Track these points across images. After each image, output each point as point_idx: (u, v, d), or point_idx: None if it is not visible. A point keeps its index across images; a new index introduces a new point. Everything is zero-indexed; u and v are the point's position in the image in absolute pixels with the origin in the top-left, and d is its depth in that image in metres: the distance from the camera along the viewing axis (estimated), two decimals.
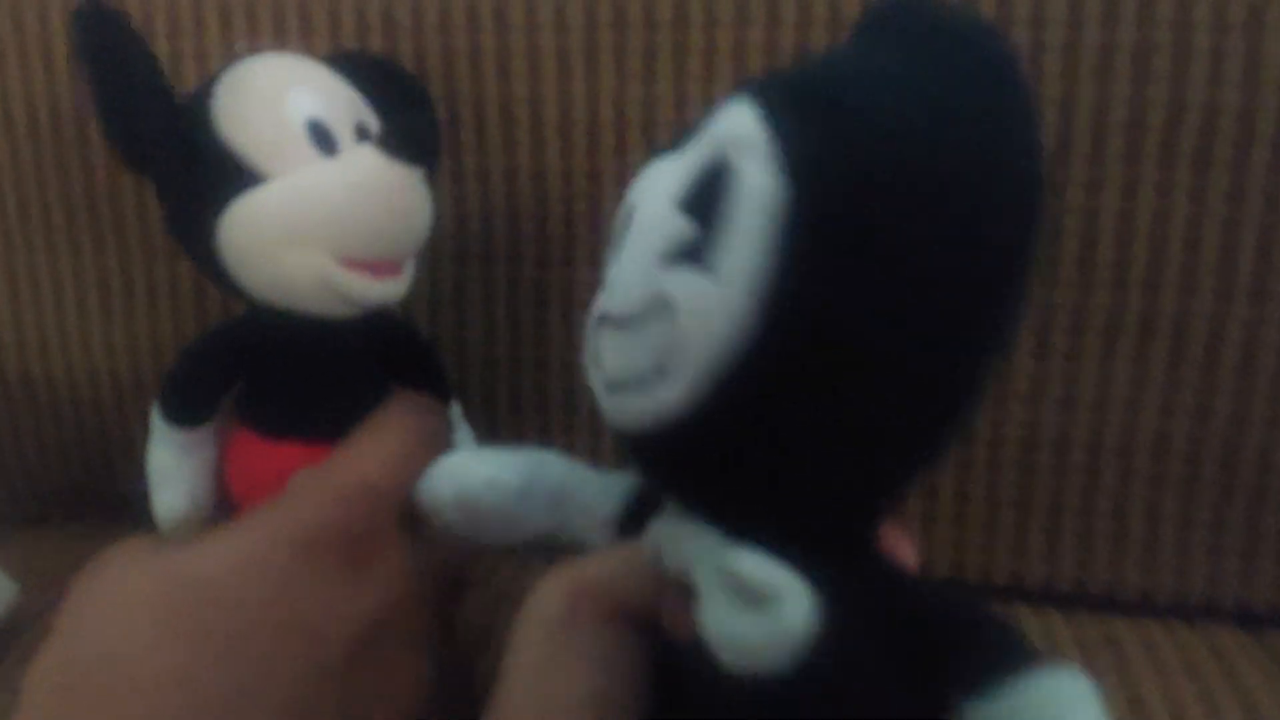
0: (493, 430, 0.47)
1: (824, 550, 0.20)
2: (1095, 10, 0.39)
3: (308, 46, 0.45)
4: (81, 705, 0.24)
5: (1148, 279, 0.41)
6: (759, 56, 0.42)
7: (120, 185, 0.48)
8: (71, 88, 0.47)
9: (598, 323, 0.22)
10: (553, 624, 0.24)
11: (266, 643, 0.27)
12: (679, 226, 0.20)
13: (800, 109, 0.19)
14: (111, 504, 0.49)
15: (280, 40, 0.45)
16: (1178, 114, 0.39)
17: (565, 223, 0.45)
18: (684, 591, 0.22)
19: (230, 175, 0.33)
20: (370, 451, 0.32)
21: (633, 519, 0.26)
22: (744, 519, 0.21)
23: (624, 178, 0.24)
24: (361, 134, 0.36)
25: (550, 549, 0.28)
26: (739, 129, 0.20)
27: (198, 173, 0.34)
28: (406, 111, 0.39)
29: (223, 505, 0.38)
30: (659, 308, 0.20)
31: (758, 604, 0.20)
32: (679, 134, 0.23)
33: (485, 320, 0.47)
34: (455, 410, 0.41)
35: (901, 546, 0.23)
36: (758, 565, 0.20)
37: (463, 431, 0.41)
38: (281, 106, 0.34)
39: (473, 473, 0.28)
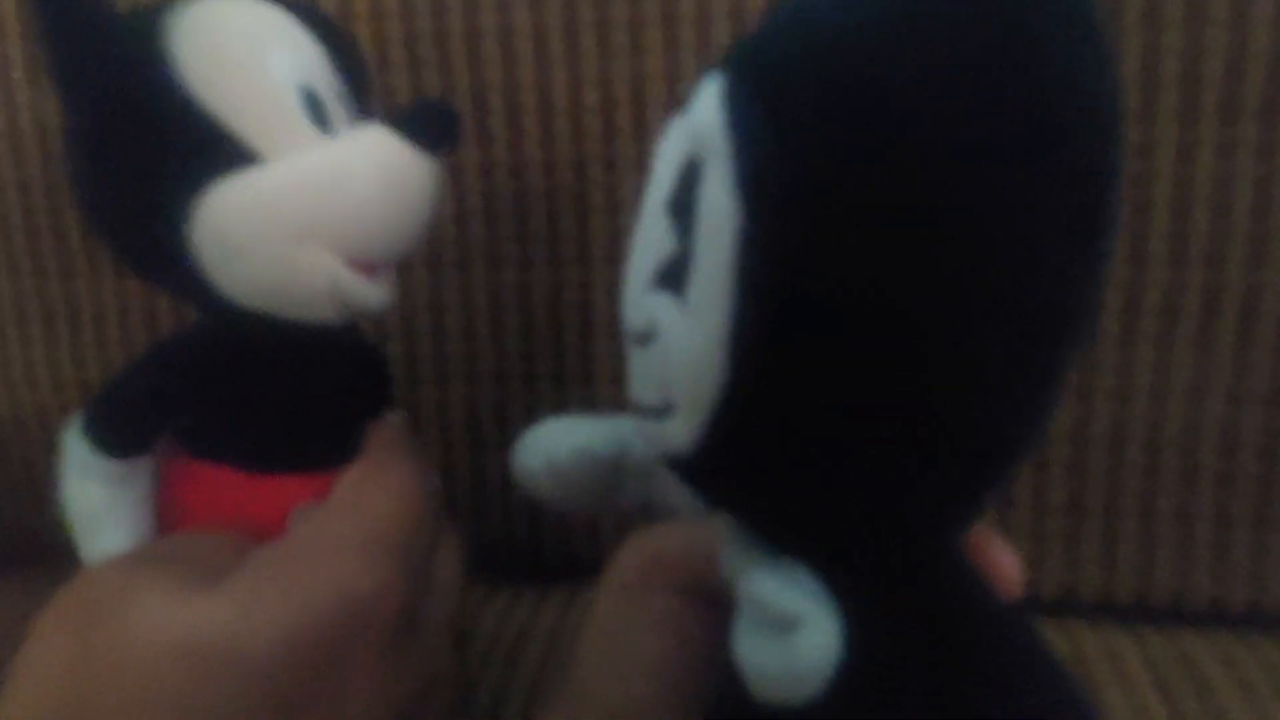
0: (478, 442, 0.43)
1: (874, 571, 0.18)
2: None
3: None
4: None
5: (1210, 252, 0.36)
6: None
7: (62, 205, 0.44)
8: None
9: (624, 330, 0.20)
10: (628, 588, 0.25)
11: None
12: (664, 238, 0.18)
13: (762, 92, 0.16)
14: (40, 550, 0.45)
15: None
16: (1239, 66, 0.35)
17: (549, 219, 0.41)
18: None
19: (211, 148, 0.27)
20: (406, 508, 0.28)
21: None
22: (781, 539, 0.19)
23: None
24: (341, 102, 0.30)
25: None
26: (705, 118, 0.16)
27: (160, 135, 0.27)
28: (356, 70, 0.32)
29: None
30: (652, 330, 0.18)
31: (780, 632, 0.18)
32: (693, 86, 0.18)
33: (464, 329, 0.43)
34: (401, 418, 0.37)
35: (1000, 561, 0.20)
36: (778, 590, 0.19)
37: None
38: (268, 68, 0.28)
39: (562, 443, 0.27)
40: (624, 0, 0.38)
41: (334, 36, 0.31)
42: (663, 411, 0.18)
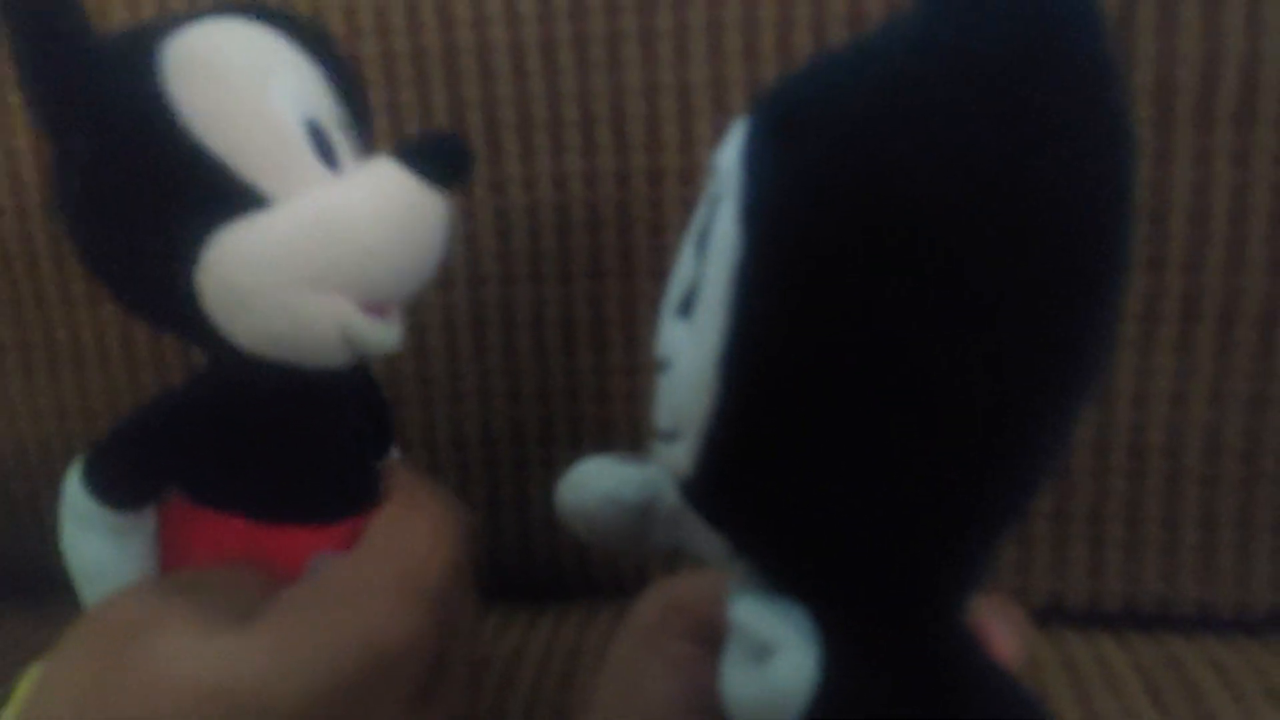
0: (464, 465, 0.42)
1: (861, 610, 0.18)
2: None
3: None
4: None
5: (1188, 257, 0.36)
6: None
7: (32, 231, 0.43)
8: None
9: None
10: (647, 631, 0.25)
11: None
12: (686, 268, 0.18)
13: (774, 133, 0.16)
14: (43, 582, 0.44)
15: None
16: (1214, 71, 0.35)
17: (531, 236, 0.41)
18: None
19: (217, 192, 0.25)
20: (436, 555, 0.28)
21: None
22: (772, 569, 0.19)
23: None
24: (344, 134, 0.29)
25: None
26: (728, 154, 0.17)
27: (161, 180, 0.25)
28: (357, 95, 0.31)
29: None
30: (667, 359, 0.19)
31: (761, 657, 0.18)
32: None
33: (448, 347, 0.42)
34: (394, 454, 0.36)
35: (997, 634, 0.20)
36: (759, 615, 0.19)
37: None
38: (270, 102, 0.26)
39: (593, 487, 0.27)
40: (600, 16, 0.38)
41: (332, 58, 0.29)
42: (673, 436, 0.19)
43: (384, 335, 0.28)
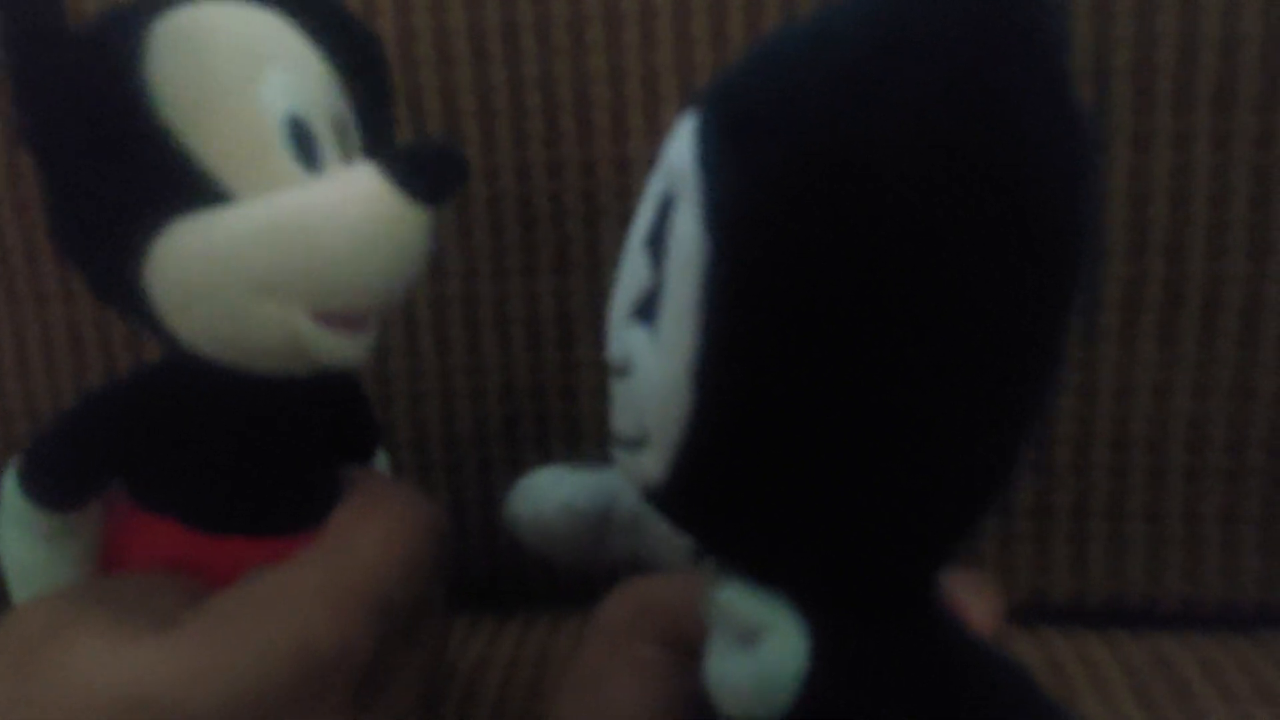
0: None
1: (845, 601, 0.18)
2: None
3: None
4: None
5: (1170, 242, 0.36)
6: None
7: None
8: None
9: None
10: (615, 634, 0.25)
11: None
12: (641, 272, 0.18)
13: (732, 130, 0.16)
14: None
15: None
16: (1192, 52, 0.34)
17: (494, 229, 0.39)
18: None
19: (175, 182, 0.24)
20: (381, 556, 0.26)
21: None
22: (752, 569, 0.19)
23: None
24: (340, 132, 0.27)
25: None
26: (679, 156, 0.17)
27: (120, 163, 0.24)
28: (383, 104, 0.29)
29: None
30: (628, 365, 0.18)
31: (748, 642, 0.18)
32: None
33: (408, 343, 0.41)
34: (383, 459, 0.34)
35: (970, 607, 0.20)
36: (745, 599, 0.19)
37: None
38: (254, 94, 0.25)
39: (548, 496, 0.27)
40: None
41: (350, 45, 0.27)
42: (638, 443, 0.18)
43: (340, 348, 0.26)
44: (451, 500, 0.42)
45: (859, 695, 0.18)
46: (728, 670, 0.19)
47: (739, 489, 0.17)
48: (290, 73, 0.26)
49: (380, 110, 0.29)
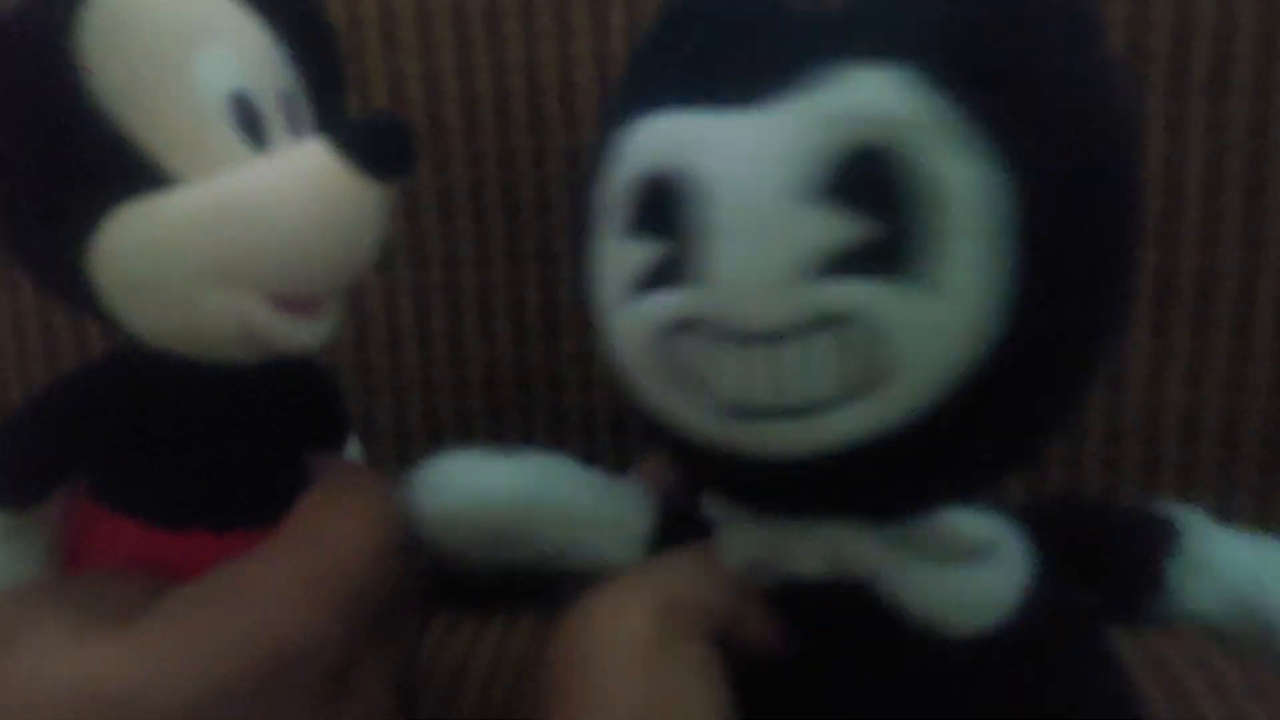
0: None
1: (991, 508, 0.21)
2: None
3: None
4: None
5: (1162, 231, 0.35)
6: None
7: None
8: None
9: (686, 328, 0.19)
10: (649, 647, 0.21)
11: None
12: (830, 228, 0.17)
13: (995, 84, 0.17)
14: None
15: None
16: (1186, 38, 0.34)
17: (477, 217, 0.38)
18: (770, 604, 0.22)
19: (116, 165, 0.23)
20: (350, 544, 0.25)
21: (668, 534, 0.24)
22: (913, 511, 0.20)
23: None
24: (289, 109, 0.26)
25: None
26: (895, 107, 0.17)
27: (58, 147, 0.23)
28: (330, 72, 0.28)
29: None
30: (825, 322, 0.18)
31: (974, 560, 0.20)
32: (742, 79, 0.18)
33: (390, 334, 0.40)
34: (355, 446, 0.34)
35: None
36: (973, 522, 0.20)
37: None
38: (192, 71, 0.23)
39: (467, 485, 0.25)
40: None
41: (294, 18, 0.27)
42: (846, 399, 0.18)
43: (297, 334, 0.25)
44: None
45: (1059, 600, 0.21)
46: (958, 588, 0.20)
47: (1003, 425, 0.19)
48: (232, 48, 0.25)
49: (330, 85, 0.28)
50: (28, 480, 0.26)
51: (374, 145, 0.24)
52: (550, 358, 0.39)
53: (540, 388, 0.40)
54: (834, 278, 0.17)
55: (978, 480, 0.20)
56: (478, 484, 0.24)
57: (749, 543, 0.22)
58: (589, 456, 0.26)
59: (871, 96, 0.17)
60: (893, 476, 0.19)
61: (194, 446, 0.26)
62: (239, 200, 0.23)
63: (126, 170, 0.23)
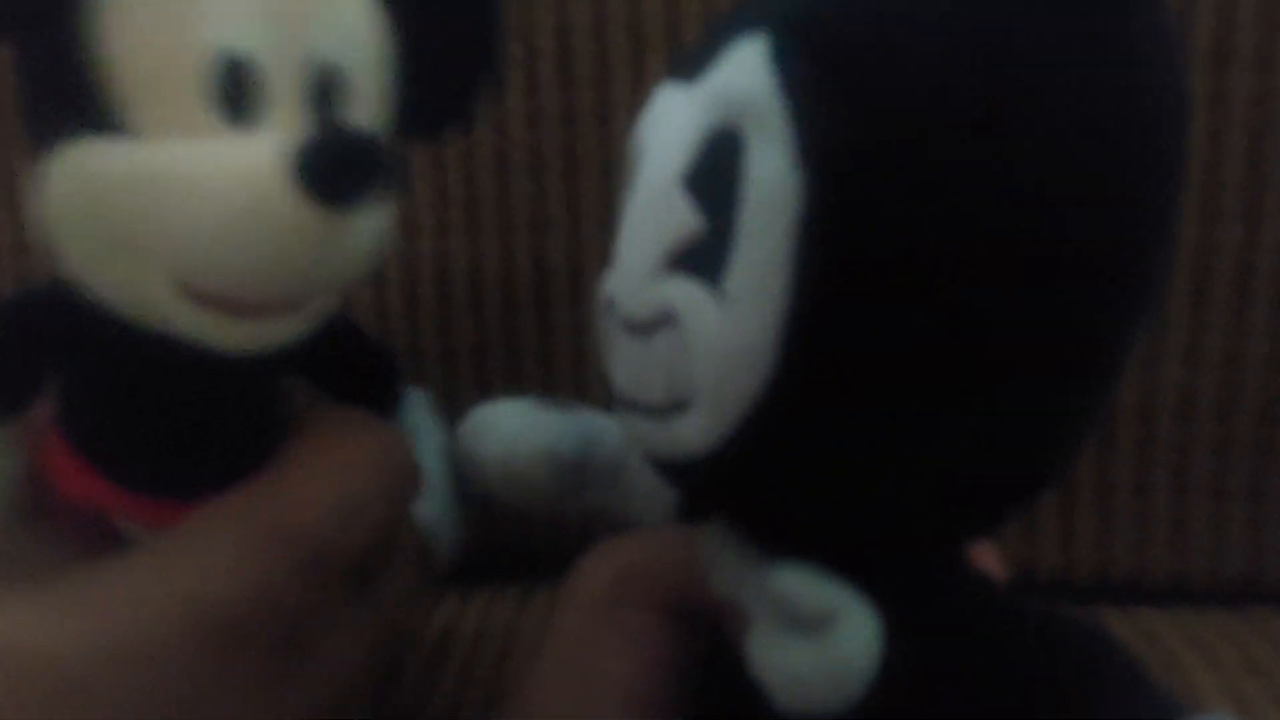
0: None
1: (893, 573, 0.17)
2: None
3: None
4: None
5: None
6: None
7: None
8: None
9: (606, 310, 0.19)
10: (598, 603, 0.23)
11: None
12: (684, 218, 0.16)
13: (827, 56, 0.15)
14: None
15: None
16: (1189, 10, 0.33)
17: (468, 182, 0.38)
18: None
19: (79, 98, 0.21)
20: (310, 492, 0.23)
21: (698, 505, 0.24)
22: (792, 545, 0.18)
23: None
24: (322, 90, 0.23)
25: None
26: (748, 85, 0.15)
27: (42, 55, 0.22)
28: (448, 63, 0.25)
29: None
30: (665, 319, 0.16)
31: (812, 631, 0.17)
32: (695, 49, 0.17)
33: (377, 303, 0.39)
34: (419, 399, 0.31)
35: (982, 557, 0.20)
36: (810, 585, 0.17)
37: (427, 428, 0.31)
38: (194, 23, 0.22)
39: (524, 438, 0.25)
40: None
41: None
42: (670, 410, 0.17)
43: (220, 332, 0.22)
44: None
45: (930, 676, 0.17)
46: (792, 661, 0.17)
47: (810, 457, 0.16)
48: (255, 4, 0.22)
49: (438, 70, 0.24)
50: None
51: (328, 164, 0.21)
52: (541, 329, 0.38)
53: (530, 360, 0.39)
54: (674, 274, 0.16)
55: (827, 523, 0.17)
56: (536, 438, 0.24)
57: (706, 539, 0.21)
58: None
59: (734, 68, 0.16)
60: (739, 501, 0.18)
61: (148, 407, 0.24)
62: (161, 173, 0.21)
63: (86, 106, 0.21)
